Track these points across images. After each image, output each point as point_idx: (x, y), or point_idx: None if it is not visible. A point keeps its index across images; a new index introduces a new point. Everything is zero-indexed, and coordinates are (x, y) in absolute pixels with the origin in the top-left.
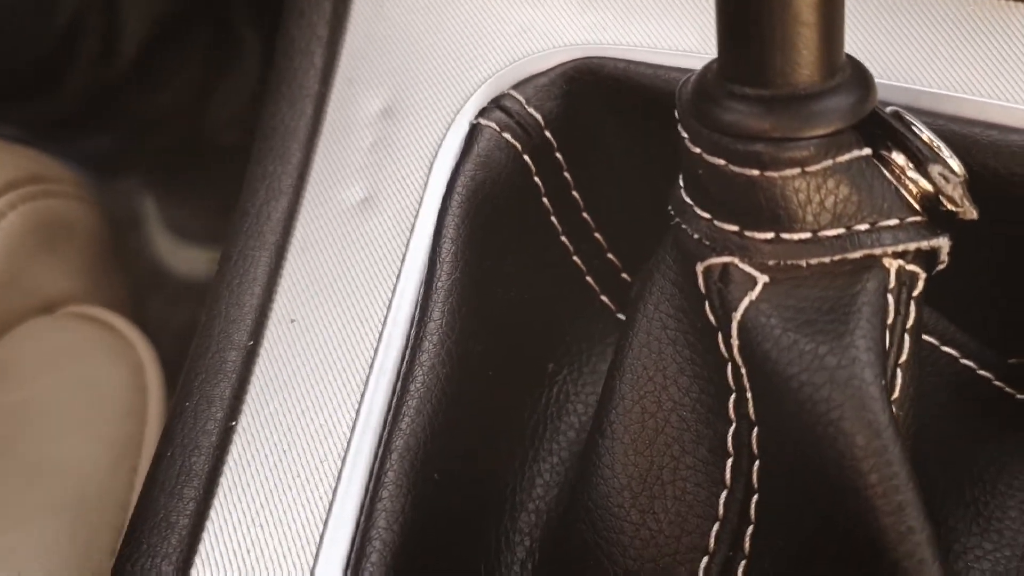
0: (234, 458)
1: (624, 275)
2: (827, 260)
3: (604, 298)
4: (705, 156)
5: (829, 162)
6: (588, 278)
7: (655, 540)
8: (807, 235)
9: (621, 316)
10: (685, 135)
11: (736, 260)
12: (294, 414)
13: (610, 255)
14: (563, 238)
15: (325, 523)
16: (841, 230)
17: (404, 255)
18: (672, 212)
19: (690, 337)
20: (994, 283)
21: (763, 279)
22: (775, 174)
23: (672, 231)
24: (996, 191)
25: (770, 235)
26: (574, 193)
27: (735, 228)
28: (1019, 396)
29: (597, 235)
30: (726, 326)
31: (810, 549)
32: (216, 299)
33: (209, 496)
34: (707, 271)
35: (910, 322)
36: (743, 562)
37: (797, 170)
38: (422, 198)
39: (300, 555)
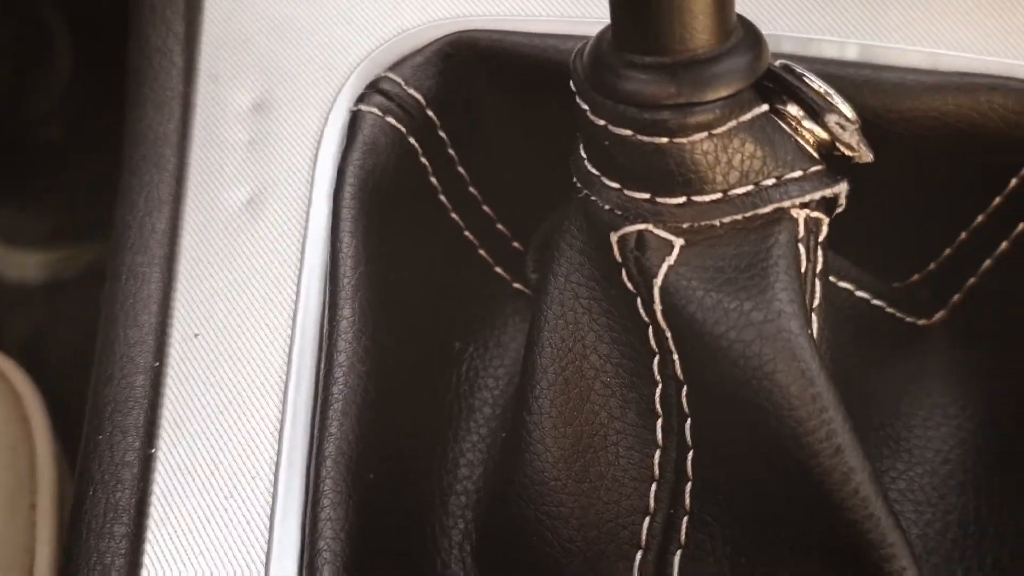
0: (160, 487)
1: (515, 244)
2: (739, 218)
3: (499, 269)
4: (611, 128)
5: (733, 122)
6: (481, 251)
7: (595, 507)
8: (718, 195)
9: (517, 286)
10: (585, 107)
11: (650, 227)
12: (215, 433)
13: (500, 226)
14: (453, 215)
15: (269, 542)
16: (750, 187)
17: (302, 254)
18: (578, 184)
19: (604, 304)
20: (875, 215)
21: (679, 243)
22: (683, 140)
23: (576, 202)
24: (874, 128)
25: (682, 199)
26: (460, 169)
27: (646, 195)
28: (908, 319)
29: (485, 208)
30: (646, 292)
31: (753, 499)
32: (111, 322)
33: (141, 530)
34: (622, 240)
35: (819, 267)
36: (685, 519)
37: (704, 134)
38: (311, 193)
39: (248, 559)
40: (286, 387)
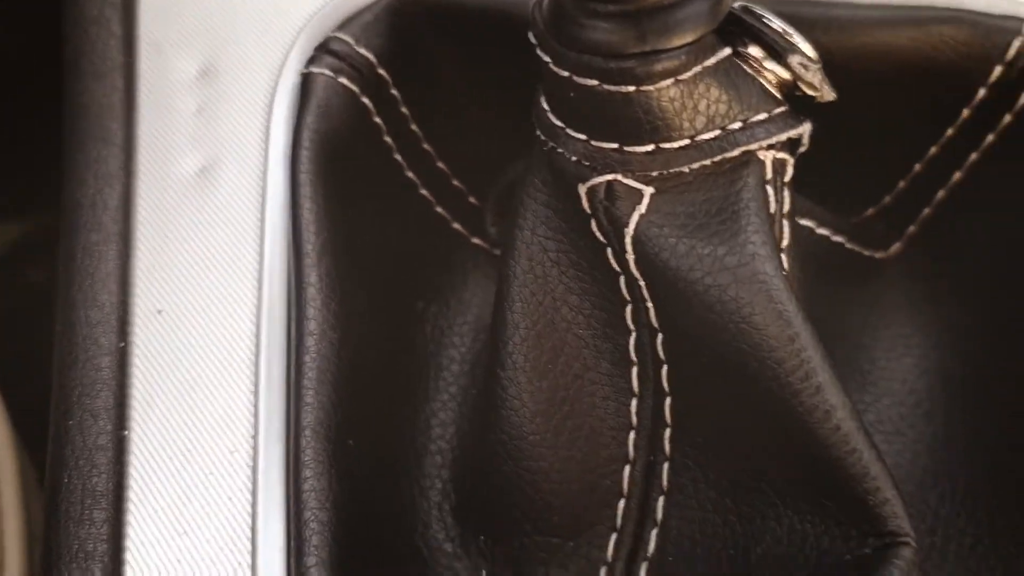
0: (136, 469)
1: (472, 200)
2: (708, 163)
3: (456, 226)
4: (575, 79)
5: (699, 68)
6: (438, 209)
7: (574, 458)
8: (686, 142)
9: (476, 241)
10: (547, 59)
11: (619, 176)
12: (188, 410)
13: (456, 182)
14: (409, 173)
15: (253, 516)
16: (717, 132)
17: (262, 223)
18: (542, 137)
19: (573, 256)
20: (830, 151)
21: (649, 191)
22: (650, 87)
23: (538, 156)
24: (828, 65)
25: (650, 147)
26: (413, 127)
27: (614, 145)
28: (866, 253)
29: (441, 164)
30: (617, 242)
31: (734, 441)
32: (70, 305)
33: (120, 514)
34: (591, 191)
35: (786, 208)
36: (666, 465)
37: (670, 80)
38: (266, 159)
39: (235, 554)
40: (257, 359)
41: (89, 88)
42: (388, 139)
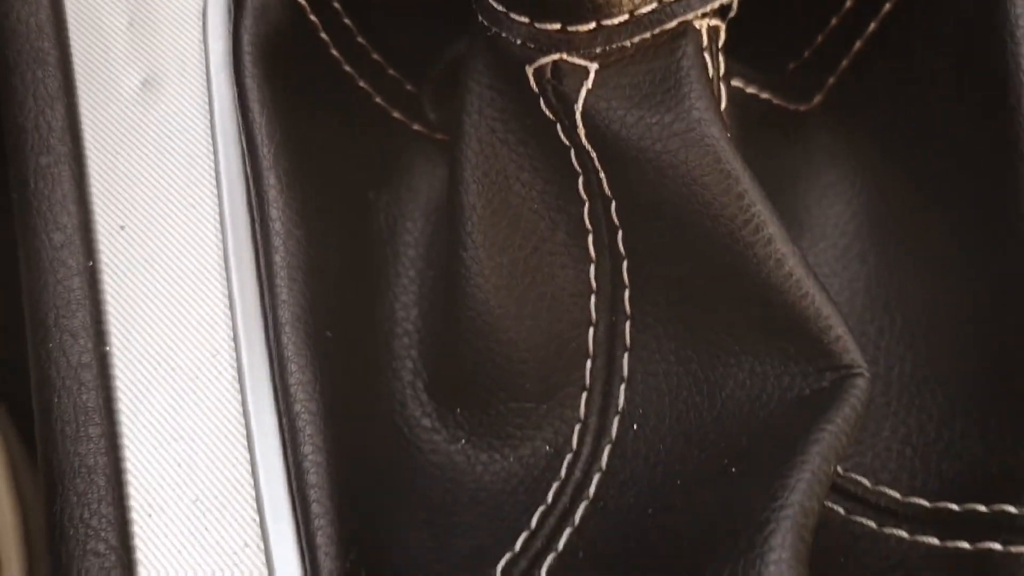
0: (123, 383)
1: (408, 87)
2: (648, 36)
3: (397, 114)
4: None
5: None
6: (378, 99)
7: (540, 327)
8: (625, 17)
9: (416, 127)
10: None
11: (564, 55)
12: (165, 321)
13: (391, 71)
14: (347, 67)
15: (245, 414)
16: (654, 5)
17: (212, 130)
18: (484, 23)
19: (521, 135)
20: (751, 9)
21: (594, 67)
22: None
23: (479, 40)
24: None
25: (592, 25)
26: (346, 21)
27: (557, 26)
28: (791, 107)
29: (376, 56)
30: (567, 118)
31: (691, 297)
32: (31, 230)
33: (114, 427)
34: (537, 71)
35: (722, 72)
36: (627, 323)
37: None
38: (207, 66)
39: (232, 452)
40: (226, 263)
41: (14, 8)
42: (324, 35)
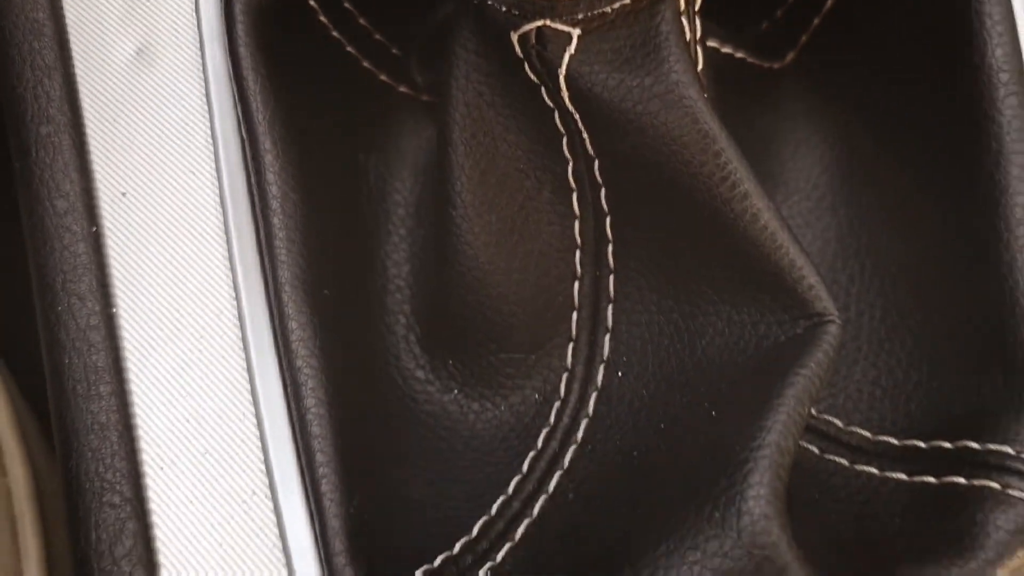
0: (130, 344)
1: (394, 50)
2: (628, 2)
3: (384, 77)
4: None
5: None
6: (365, 63)
7: (528, 281)
8: None
9: (403, 89)
10: None
11: (547, 21)
12: (168, 282)
13: (377, 36)
14: (335, 33)
15: (249, 370)
16: None
17: (208, 97)
18: None
19: (507, 98)
20: None
21: (576, 32)
22: None
23: (465, 8)
24: None
25: None
26: None
27: None
28: (766, 65)
29: (362, 21)
30: (551, 81)
31: (672, 250)
32: (36, 197)
33: (123, 385)
34: (522, 38)
35: (699, 34)
36: (611, 277)
37: None
38: (200, 35)
39: (238, 406)
40: (226, 227)
41: None
42: (312, 2)
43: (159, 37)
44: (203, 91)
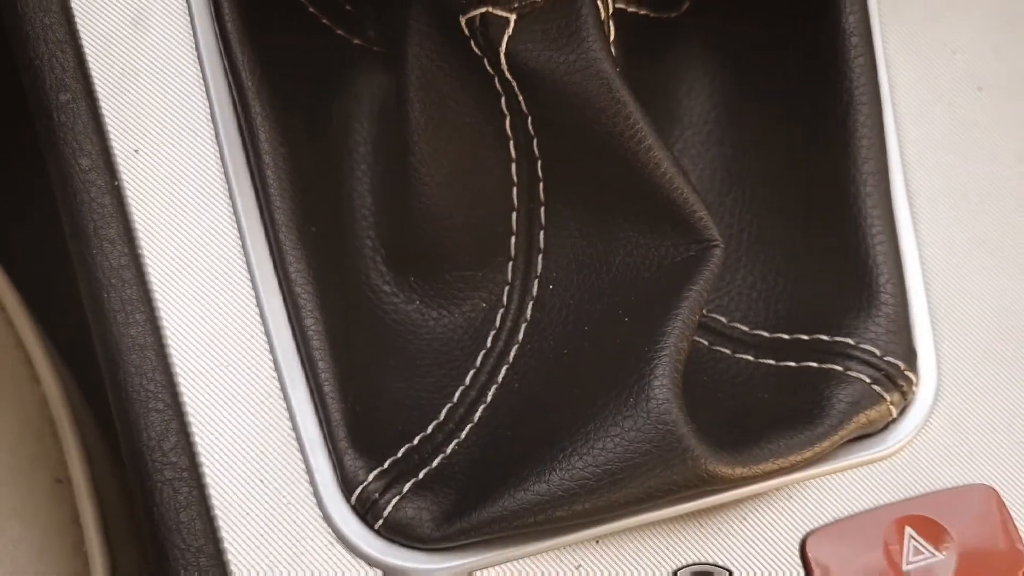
0: (155, 279)
1: (348, 7)
2: None
3: (340, 32)
4: None
5: None
6: (324, 20)
7: (475, 213)
8: None
9: (357, 42)
10: None
11: (490, 8)
12: (183, 228)
13: None
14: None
15: (256, 297)
16: None
17: (201, 65)
18: None
19: (454, 65)
20: None
21: (513, 17)
22: None
23: None
24: None
25: None
26: None
27: None
28: (664, 16)
29: None
30: (492, 56)
31: (591, 189)
32: (61, 157)
33: (153, 312)
34: (469, 21)
35: (612, 11)
36: (542, 208)
37: None
38: (190, 9)
39: (251, 327)
40: (227, 178)
41: None
42: None
43: (150, 8)
44: (195, 57)
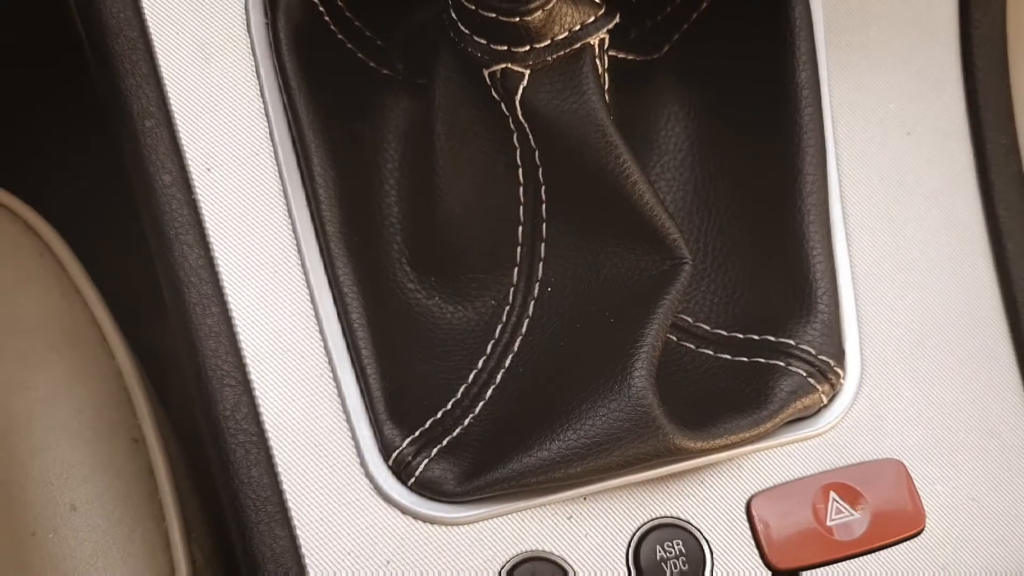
0: (226, 278)
1: (379, 43)
2: (562, 53)
3: (372, 64)
4: (480, 11)
5: (555, 0)
6: (360, 55)
7: (488, 226)
8: (548, 42)
9: (385, 72)
10: None
11: (508, 65)
12: (247, 235)
13: (368, 33)
14: (340, 36)
15: (311, 296)
16: (566, 33)
17: (263, 96)
18: (454, 38)
19: (475, 103)
20: None
21: (527, 72)
22: (529, 17)
23: (448, 43)
24: None
25: (527, 48)
26: (339, 3)
27: (505, 47)
28: (647, 58)
29: (357, 24)
30: (508, 101)
31: (585, 212)
32: (147, 175)
33: (225, 306)
34: (491, 74)
35: (607, 66)
36: (544, 224)
37: (540, 12)
38: (253, 48)
39: (306, 320)
40: (285, 195)
41: (106, 5)
42: (321, 8)
43: (216, 44)
44: (257, 90)
